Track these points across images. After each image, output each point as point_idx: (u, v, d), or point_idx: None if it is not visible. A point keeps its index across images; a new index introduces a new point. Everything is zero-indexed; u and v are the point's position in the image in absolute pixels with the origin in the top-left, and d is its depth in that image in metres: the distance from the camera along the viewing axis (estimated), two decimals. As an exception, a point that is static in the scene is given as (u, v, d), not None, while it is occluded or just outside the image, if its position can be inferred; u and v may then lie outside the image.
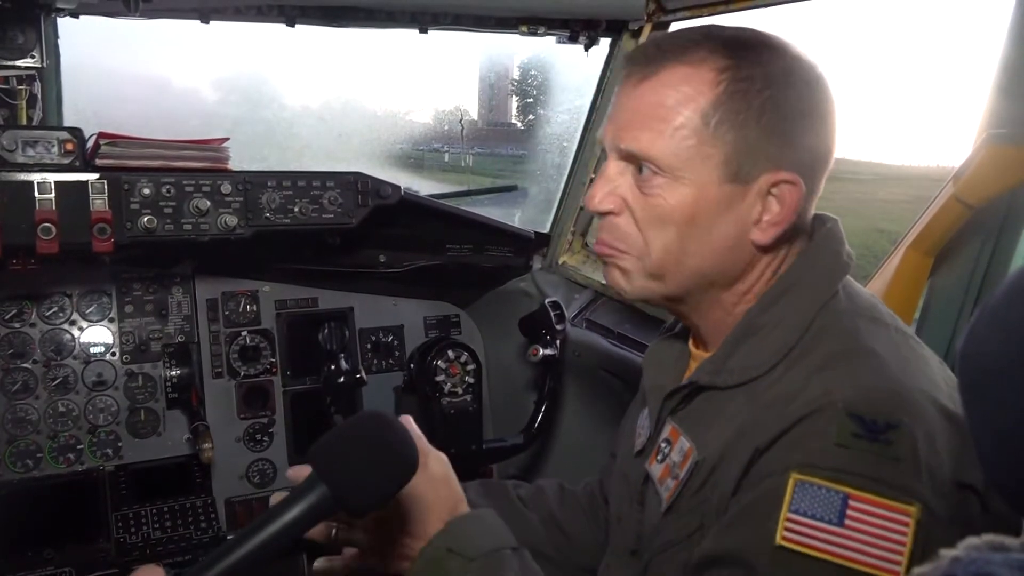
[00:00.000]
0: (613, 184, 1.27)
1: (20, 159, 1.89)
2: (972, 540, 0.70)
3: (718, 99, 1.18)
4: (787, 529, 1.04)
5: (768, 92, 1.18)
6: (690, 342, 1.45)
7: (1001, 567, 0.65)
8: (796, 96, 1.19)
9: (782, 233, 1.23)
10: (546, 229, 2.84)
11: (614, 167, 1.28)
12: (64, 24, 2.23)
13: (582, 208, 2.64)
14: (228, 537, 2.31)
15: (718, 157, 1.19)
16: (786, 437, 1.10)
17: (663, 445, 1.36)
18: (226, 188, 2.07)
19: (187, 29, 2.30)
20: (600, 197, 1.28)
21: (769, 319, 1.24)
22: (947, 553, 0.70)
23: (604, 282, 1.49)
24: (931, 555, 0.73)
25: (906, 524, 1.00)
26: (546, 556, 1.78)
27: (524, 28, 2.39)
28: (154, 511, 2.28)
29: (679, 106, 1.19)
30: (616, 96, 1.30)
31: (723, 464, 1.19)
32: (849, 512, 1.02)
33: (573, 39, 2.45)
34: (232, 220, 2.07)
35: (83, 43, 2.34)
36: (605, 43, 2.49)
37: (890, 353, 1.16)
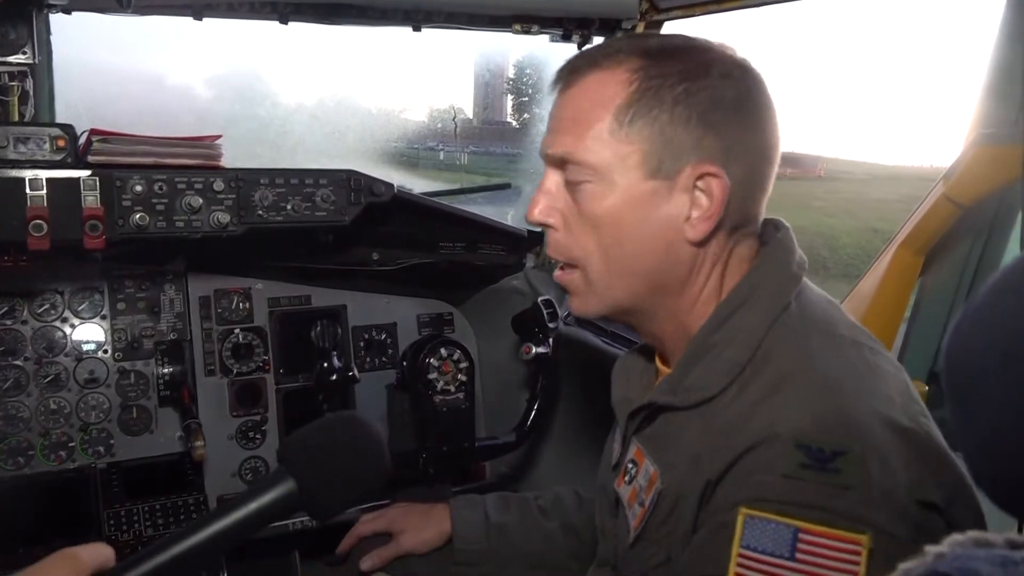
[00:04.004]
0: (550, 196, 1.30)
1: (11, 156, 1.88)
2: (957, 536, 0.71)
3: (630, 97, 1.20)
4: (740, 565, 1.03)
5: (683, 86, 1.19)
6: (656, 358, 1.45)
7: (984, 563, 0.66)
8: (715, 88, 1.20)
9: (714, 228, 1.22)
10: (539, 228, 2.83)
11: (550, 179, 1.30)
12: (56, 20, 2.23)
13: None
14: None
15: (637, 155, 1.21)
16: (734, 469, 1.10)
17: (630, 466, 1.36)
18: (219, 185, 2.07)
19: (180, 26, 2.30)
20: (538, 209, 1.31)
21: (721, 337, 1.23)
22: (932, 549, 0.70)
23: None
24: None
25: (857, 553, 0.99)
26: (567, 567, 1.79)
27: (518, 26, 2.39)
28: (146, 509, 2.27)
29: (595, 109, 1.22)
30: (551, 107, 1.32)
31: (683, 495, 1.19)
32: (800, 545, 1.00)
33: (567, 37, 2.45)
34: (224, 217, 2.06)
35: (75, 39, 2.33)
36: (599, 41, 2.49)
37: (842, 371, 1.14)
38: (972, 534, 0.71)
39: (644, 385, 1.46)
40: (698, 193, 1.21)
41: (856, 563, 0.98)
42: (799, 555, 1.00)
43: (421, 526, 1.97)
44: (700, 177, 1.20)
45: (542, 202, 1.30)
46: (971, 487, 1.13)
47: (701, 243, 1.24)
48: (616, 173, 1.21)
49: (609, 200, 1.22)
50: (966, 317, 0.76)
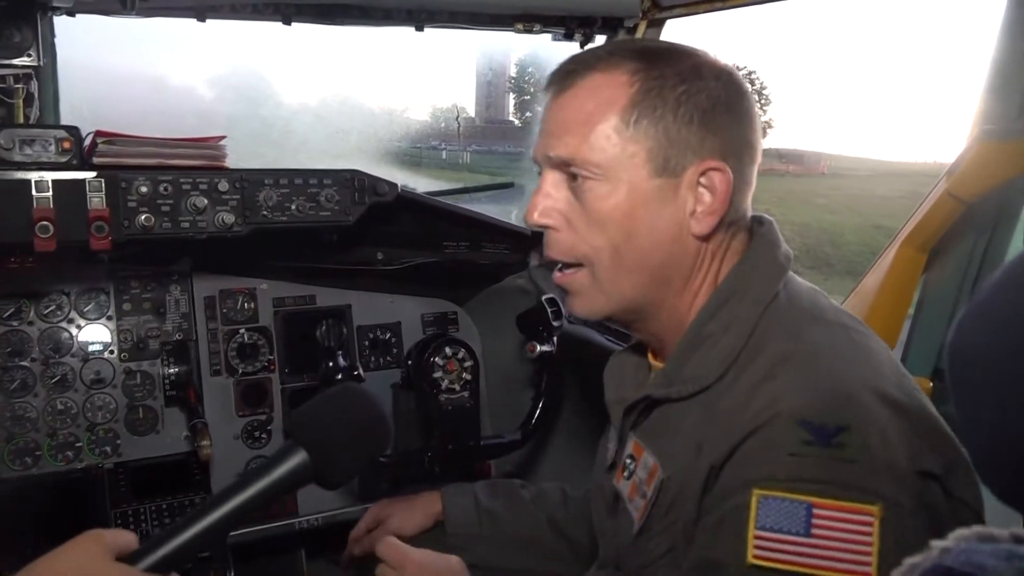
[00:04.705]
0: (550, 198, 1.31)
1: (17, 158, 1.89)
2: (962, 531, 0.71)
3: (634, 98, 1.24)
4: (757, 547, 1.04)
5: (683, 87, 1.24)
6: (649, 354, 1.47)
7: (990, 557, 0.66)
8: (709, 89, 1.25)
9: (719, 222, 1.27)
10: (539, 229, 2.84)
11: (549, 180, 1.32)
12: (60, 22, 2.23)
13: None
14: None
15: (643, 154, 1.24)
16: (739, 452, 1.11)
17: (628, 461, 1.38)
18: (223, 186, 2.07)
19: (183, 27, 2.30)
20: (538, 212, 1.32)
21: (715, 327, 1.26)
22: (937, 544, 0.71)
23: None
24: (904, 549, 0.74)
25: (870, 524, 1.01)
26: (557, 554, 1.81)
27: (520, 26, 2.40)
28: (153, 508, 2.28)
29: (599, 109, 1.25)
30: (545, 111, 1.35)
31: (685, 482, 1.20)
32: (815, 521, 1.02)
33: (569, 36, 2.45)
34: (229, 218, 2.07)
35: (79, 42, 2.34)
36: (601, 40, 2.49)
37: (833, 351, 1.18)
38: (977, 529, 0.71)
39: (637, 382, 1.48)
40: (702, 189, 1.25)
41: (869, 533, 1.01)
42: (814, 530, 1.02)
43: (407, 510, 2.00)
44: (703, 173, 1.24)
45: (541, 204, 1.32)
46: (966, 457, 1.14)
47: (705, 238, 1.28)
48: (623, 171, 1.24)
49: (617, 198, 1.25)
50: (970, 312, 0.76)
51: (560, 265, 1.36)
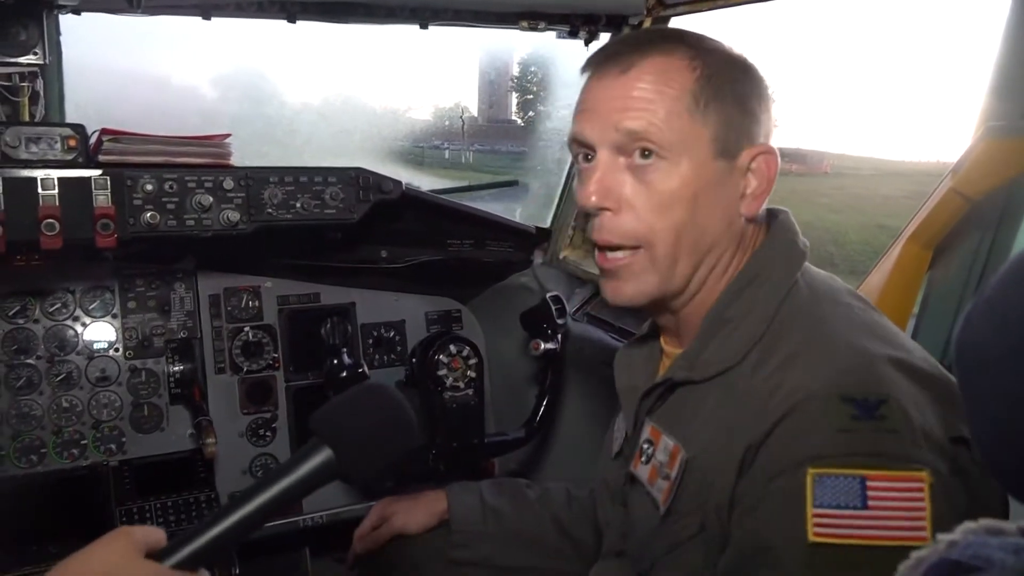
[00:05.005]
0: (609, 179, 1.28)
1: (23, 155, 1.90)
2: (969, 524, 0.71)
3: (700, 81, 1.26)
4: (817, 525, 1.05)
5: (731, 74, 1.28)
6: (662, 340, 1.47)
7: (998, 550, 0.66)
8: (749, 78, 1.31)
9: (764, 203, 1.32)
10: (547, 224, 2.84)
11: (606, 160, 1.28)
12: (65, 21, 2.24)
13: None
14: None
15: (708, 135, 1.26)
16: (780, 431, 1.11)
17: (645, 446, 1.37)
18: (228, 184, 2.08)
19: (188, 25, 2.30)
20: (597, 194, 1.28)
21: (736, 311, 1.28)
22: (944, 537, 0.71)
23: None
24: (954, 511, 0.73)
25: (921, 490, 1.03)
26: (561, 552, 1.81)
27: (524, 23, 2.39)
28: (158, 506, 2.29)
29: (671, 88, 1.26)
30: (591, 91, 1.32)
31: (715, 462, 1.20)
32: (870, 493, 1.04)
33: (573, 34, 2.45)
34: (234, 216, 2.08)
35: (84, 40, 2.34)
36: (605, 38, 2.49)
37: (856, 329, 1.21)
38: (984, 522, 0.71)
39: (650, 371, 1.48)
40: (750, 173, 1.29)
41: (922, 499, 1.03)
42: (871, 502, 1.04)
43: (411, 508, 2.00)
44: (754, 157, 1.28)
45: (600, 185, 1.28)
46: None
47: (751, 220, 1.32)
48: (691, 151, 1.26)
49: (683, 177, 1.26)
50: (976, 308, 0.76)
51: (610, 247, 1.32)
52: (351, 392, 1.19)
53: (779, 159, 1.30)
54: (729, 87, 1.27)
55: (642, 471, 1.37)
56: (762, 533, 1.11)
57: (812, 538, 1.05)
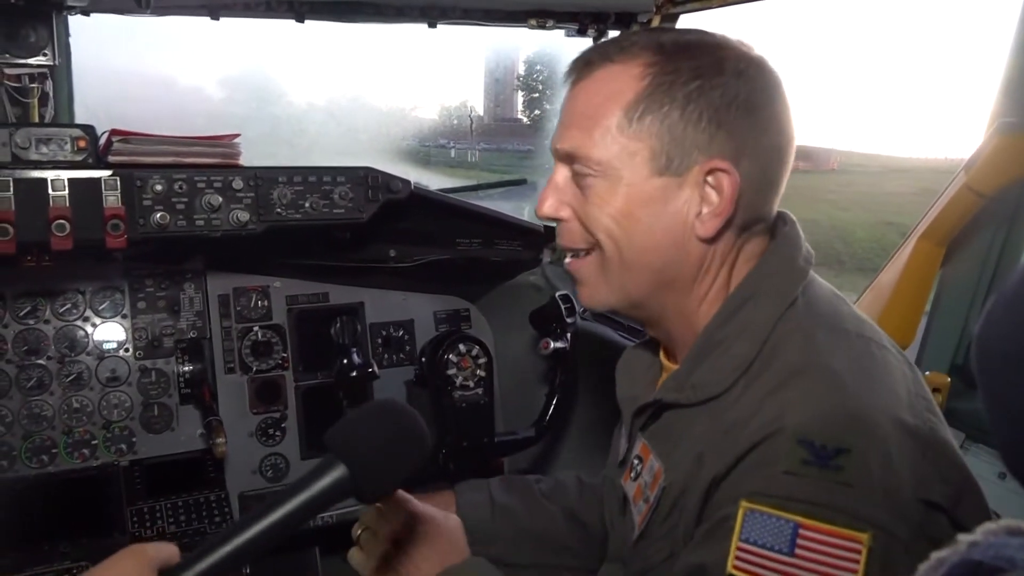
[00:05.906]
0: (559, 192, 1.30)
1: (33, 156, 1.90)
2: (990, 525, 0.71)
3: (641, 93, 1.20)
4: (739, 558, 1.03)
5: (696, 83, 1.19)
6: (661, 352, 1.46)
7: (1019, 550, 0.66)
8: (726, 86, 1.20)
9: (724, 225, 1.22)
10: (551, 222, 2.84)
11: (560, 173, 1.31)
12: (74, 22, 2.24)
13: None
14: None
15: (645, 152, 1.21)
16: (740, 465, 1.10)
17: (635, 462, 1.37)
18: (238, 184, 2.08)
19: (196, 26, 2.31)
20: (548, 205, 1.32)
21: (728, 332, 1.23)
22: (965, 538, 0.70)
23: None
24: None
25: (857, 552, 0.99)
26: (571, 548, 1.80)
27: (533, 21, 2.39)
28: (168, 505, 2.30)
29: (605, 104, 1.22)
30: (564, 100, 1.32)
31: (687, 492, 1.19)
32: (800, 541, 1.00)
33: (582, 32, 2.45)
34: (244, 216, 2.08)
35: (93, 42, 2.35)
36: (614, 36, 2.49)
37: (848, 367, 1.14)
38: (1005, 522, 0.71)
39: (649, 381, 1.46)
40: (708, 190, 1.21)
41: (856, 561, 0.98)
42: (798, 551, 1.00)
43: None
44: (710, 173, 1.20)
45: (551, 197, 1.31)
46: (978, 485, 1.13)
47: (711, 240, 1.24)
48: (624, 169, 1.22)
49: (616, 196, 1.23)
50: (998, 302, 0.76)
51: (572, 253, 1.34)
52: (366, 408, 1.19)
53: (738, 177, 1.19)
54: (682, 97, 1.19)
55: (630, 487, 1.37)
56: (695, 555, 1.11)
57: (731, 570, 1.03)
